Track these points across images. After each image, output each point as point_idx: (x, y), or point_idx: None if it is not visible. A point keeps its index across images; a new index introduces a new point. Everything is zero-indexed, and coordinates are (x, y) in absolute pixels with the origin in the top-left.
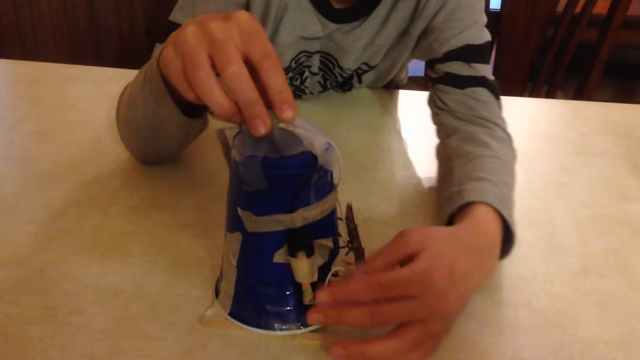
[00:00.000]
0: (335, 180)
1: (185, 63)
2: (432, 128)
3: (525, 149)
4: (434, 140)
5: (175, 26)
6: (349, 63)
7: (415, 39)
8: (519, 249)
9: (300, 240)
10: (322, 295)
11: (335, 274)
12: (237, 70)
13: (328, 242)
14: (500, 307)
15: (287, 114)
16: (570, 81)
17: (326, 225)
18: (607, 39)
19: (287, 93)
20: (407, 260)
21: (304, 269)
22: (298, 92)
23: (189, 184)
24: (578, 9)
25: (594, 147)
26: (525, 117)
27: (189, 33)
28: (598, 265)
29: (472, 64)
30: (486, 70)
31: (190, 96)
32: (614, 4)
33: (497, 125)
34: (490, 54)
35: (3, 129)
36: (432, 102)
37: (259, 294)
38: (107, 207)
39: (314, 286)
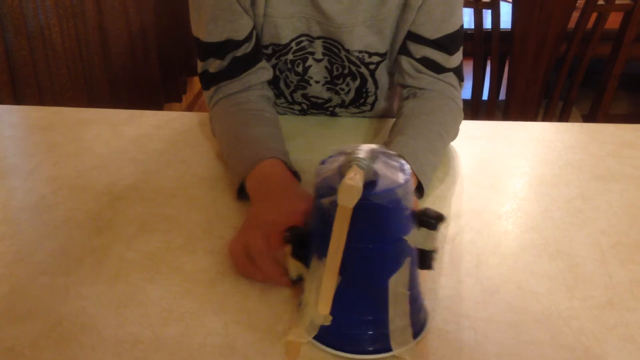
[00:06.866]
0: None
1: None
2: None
3: (540, 176)
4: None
5: (199, 41)
6: (355, 44)
7: (415, 13)
8: (541, 282)
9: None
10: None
11: None
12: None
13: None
14: (526, 345)
15: None
16: (585, 96)
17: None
18: (620, 54)
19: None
20: None
21: None
22: (302, 83)
23: (203, 228)
24: (590, 25)
25: (612, 171)
26: (539, 142)
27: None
28: (623, 297)
29: (452, 55)
30: (458, 57)
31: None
32: (626, 19)
33: (454, 101)
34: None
35: (20, 177)
36: (403, 74)
37: None
38: (124, 254)
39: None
